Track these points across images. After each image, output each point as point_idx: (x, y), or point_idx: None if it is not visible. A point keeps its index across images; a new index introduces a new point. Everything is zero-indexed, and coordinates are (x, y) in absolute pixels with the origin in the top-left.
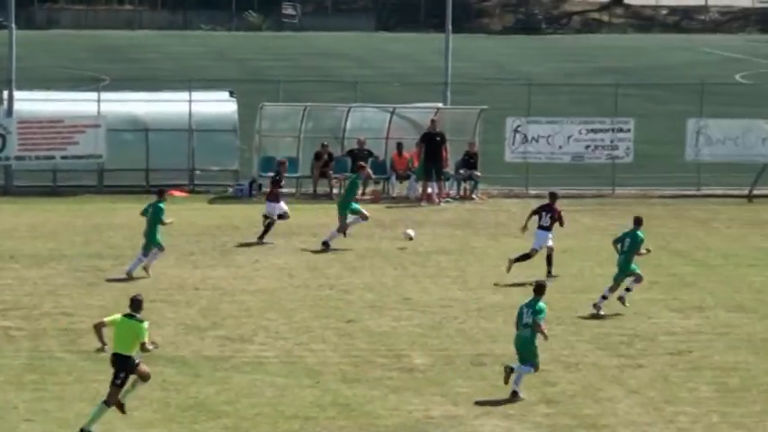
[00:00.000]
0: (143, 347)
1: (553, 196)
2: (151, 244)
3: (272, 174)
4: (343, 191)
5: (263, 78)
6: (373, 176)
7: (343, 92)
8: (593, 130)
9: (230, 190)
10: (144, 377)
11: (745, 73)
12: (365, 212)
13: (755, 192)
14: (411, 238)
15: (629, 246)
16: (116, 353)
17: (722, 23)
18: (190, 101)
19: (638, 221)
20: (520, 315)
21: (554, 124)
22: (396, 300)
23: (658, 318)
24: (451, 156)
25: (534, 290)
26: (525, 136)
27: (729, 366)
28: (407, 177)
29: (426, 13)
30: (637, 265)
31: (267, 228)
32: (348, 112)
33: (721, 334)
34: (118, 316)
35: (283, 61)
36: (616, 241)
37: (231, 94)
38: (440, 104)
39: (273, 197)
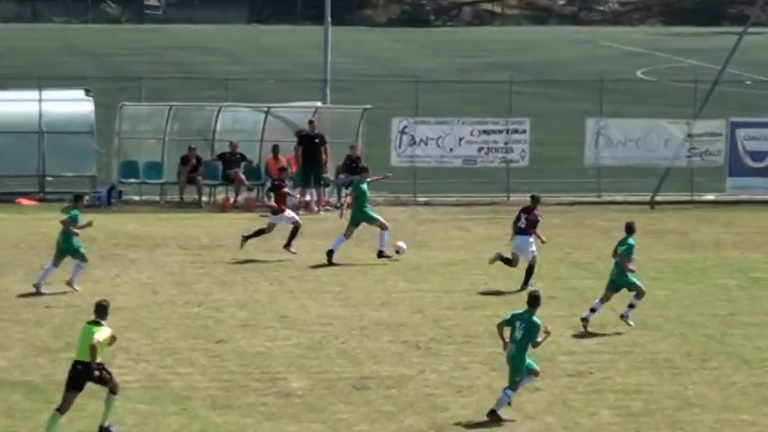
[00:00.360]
0: (93, 349)
1: (534, 200)
2: (76, 253)
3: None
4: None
5: (122, 75)
6: (247, 183)
7: (212, 90)
8: (485, 132)
9: (87, 197)
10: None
11: (647, 68)
12: (382, 220)
13: (658, 198)
14: (398, 251)
15: (620, 255)
16: (78, 361)
17: (622, 15)
18: (40, 100)
19: (629, 228)
20: (512, 326)
21: (444, 125)
22: (271, 318)
23: (557, 336)
24: (332, 160)
25: (528, 302)
26: (413, 138)
27: (632, 389)
28: None
29: (303, 4)
30: (637, 276)
31: (293, 233)
32: (218, 112)
33: (623, 353)
34: (82, 326)
35: (145, 56)
36: (614, 254)
37: (87, 92)
38: (319, 103)
39: (277, 209)
